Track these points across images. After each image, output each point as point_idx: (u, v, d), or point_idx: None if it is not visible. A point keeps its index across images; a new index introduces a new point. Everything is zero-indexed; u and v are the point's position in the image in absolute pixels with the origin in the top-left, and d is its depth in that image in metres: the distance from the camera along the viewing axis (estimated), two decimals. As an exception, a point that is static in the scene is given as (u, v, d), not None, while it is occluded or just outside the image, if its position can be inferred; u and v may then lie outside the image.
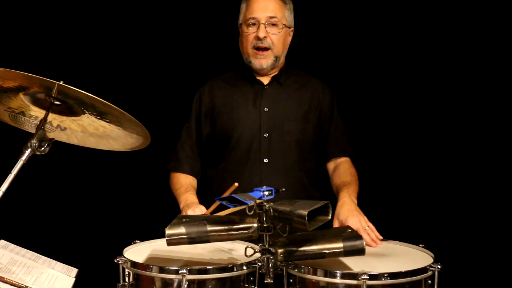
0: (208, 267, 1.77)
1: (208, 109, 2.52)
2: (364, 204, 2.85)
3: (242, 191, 1.73)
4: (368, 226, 2.11)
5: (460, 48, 2.82)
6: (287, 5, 2.48)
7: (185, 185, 2.43)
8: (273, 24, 2.42)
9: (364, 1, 2.93)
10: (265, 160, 2.41)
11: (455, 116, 2.85)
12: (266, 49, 2.43)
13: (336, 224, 2.15)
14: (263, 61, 2.44)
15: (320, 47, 2.98)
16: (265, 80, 2.51)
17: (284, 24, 2.44)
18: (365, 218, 2.15)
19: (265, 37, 2.40)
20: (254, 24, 2.42)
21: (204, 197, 2.41)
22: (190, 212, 2.19)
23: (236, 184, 2.16)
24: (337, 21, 2.96)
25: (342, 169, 2.45)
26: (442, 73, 2.86)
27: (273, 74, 2.51)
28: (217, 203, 2.20)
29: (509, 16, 2.72)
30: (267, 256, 1.71)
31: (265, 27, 2.40)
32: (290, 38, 2.52)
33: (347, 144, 2.53)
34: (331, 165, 2.50)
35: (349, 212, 2.15)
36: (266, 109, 2.46)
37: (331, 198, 2.15)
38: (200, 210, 2.19)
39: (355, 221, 2.10)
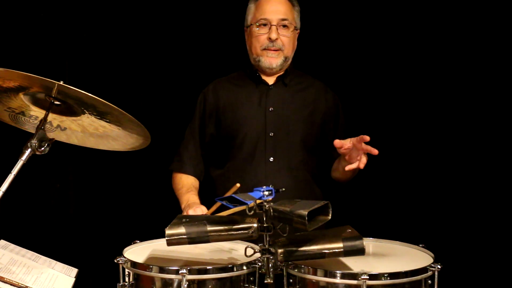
0: (208, 267, 1.77)
1: (212, 109, 2.53)
2: (365, 204, 2.86)
3: (247, 190, 1.73)
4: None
5: (461, 51, 2.81)
6: (296, 7, 2.50)
7: (187, 185, 2.44)
8: (284, 26, 2.43)
9: (367, 3, 2.93)
10: (271, 159, 2.41)
11: (455, 116, 2.85)
12: (277, 50, 2.44)
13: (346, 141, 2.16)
14: (273, 60, 2.45)
15: (322, 49, 2.97)
16: (270, 81, 2.51)
17: (294, 27, 2.46)
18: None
19: (276, 38, 2.41)
20: (265, 25, 2.43)
21: (207, 197, 2.42)
22: (191, 212, 2.19)
23: (238, 184, 2.16)
24: (340, 23, 2.95)
25: None
26: (443, 74, 2.86)
27: (278, 75, 2.52)
28: (218, 204, 2.20)
29: (509, 16, 2.72)
30: (267, 256, 1.72)
31: (277, 29, 2.41)
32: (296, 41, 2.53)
33: None
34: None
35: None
36: (271, 109, 2.46)
37: (334, 197, 2.15)
38: (201, 210, 2.20)
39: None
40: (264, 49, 2.44)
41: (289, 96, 2.50)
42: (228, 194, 2.18)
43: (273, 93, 2.50)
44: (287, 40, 2.44)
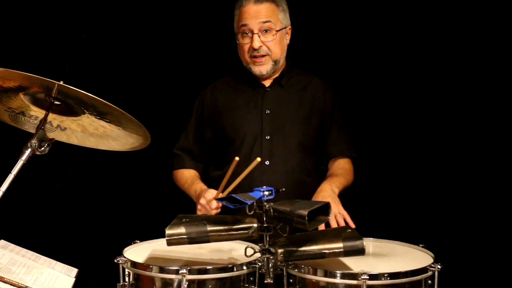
0: (208, 267, 1.77)
1: (210, 112, 2.53)
2: (365, 204, 2.86)
3: (244, 192, 1.73)
4: (340, 213, 2.14)
5: (460, 48, 2.81)
6: (280, 6, 2.45)
7: (190, 178, 2.46)
8: (266, 31, 2.40)
9: (366, 0, 2.94)
10: (267, 162, 2.40)
11: (455, 116, 2.85)
12: (263, 55, 2.43)
13: None
14: (262, 68, 2.44)
15: (322, 46, 2.97)
16: (267, 83, 2.51)
17: (279, 29, 2.42)
18: (339, 206, 2.17)
19: (260, 46, 2.40)
20: (247, 33, 2.41)
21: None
22: (201, 200, 2.20)
23: (237, 158, 2.07)
24: (339, 20, 2.95)
25: (336, 164, 2.47)
26: (442, 73, 2.86)
27: (274, 77, 2.51)
28: (224, 185, 2.17)
29: (509, 16, 2.72)
30: (267, 256, 1.71)
31: (259, 36, 2.39)
32: (288, 37, 2.51)
33: (347, 144, 2.52)
34: (330, 166, 2.51)
35: (322, 198, 2.17)
36: (268, 111, 2.46)
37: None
38: (211, 193, 2.20)
39: None
40: (251, 56, 2.43)
41: (286, 97, 2.50)
42: (229, 170, 2.12)
43: (269, 95, 2.49)
44: (272, 44, 2.41)
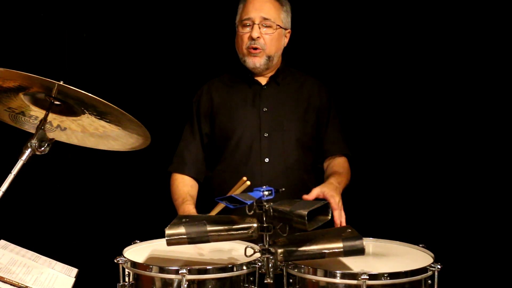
0: (208, 267, 1.77)
1: (207, 111, 2.53)
2: (365, 204, 2.86)
3: (243, 191, 1.73)
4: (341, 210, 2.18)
5: (459, 46, 2.81)
6: (284, 6, 2.49)
7: (182, 195, 2.41)
8: (267, 26, 2.43)
9: (362, 0, 2.94)
10: (266, 160, 2.41)
11: (454, 115, 2.85)
12: (257, 48, 2.44)
13: (313, 193, 2.17)
14: (255, 60, 2.45)
15: (318, 46, 2.98)
16: (263, 81, 2.52)
17: (279, 25, 2.45)
18: (341, 202, 2.20)
19: (258, 37, 2.41)
20: (248, 25, 2.44)
21: (203, 199, 2.42)
22: None
23: (248, 182, 2.16)
24: (335, 21, 2.96)
25: (336, 163, 2.48)
26: (440, 72, 2.87)
27: (270, 75, 2.52)
28: (220, 206, 2.21)
29: (509, 16, 2.72)
30: (267, 256, 1.71)
31: (259, 28, 2.42)
32: (286, 40, 2.53)
33: (343, 143, 2.54)
34: (326, 164, 2.51)
35: (329, 188, 2.20)
36: (265, 109, 2.47)
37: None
38: None
39: (332, 197, 2.15)
40: (247, 48, 2.44)
41: (283, 95, 2.51)
42: (238, 191, 2.18)
43: (266, 93, 2.50)
44: (269, 39, 2.43)
